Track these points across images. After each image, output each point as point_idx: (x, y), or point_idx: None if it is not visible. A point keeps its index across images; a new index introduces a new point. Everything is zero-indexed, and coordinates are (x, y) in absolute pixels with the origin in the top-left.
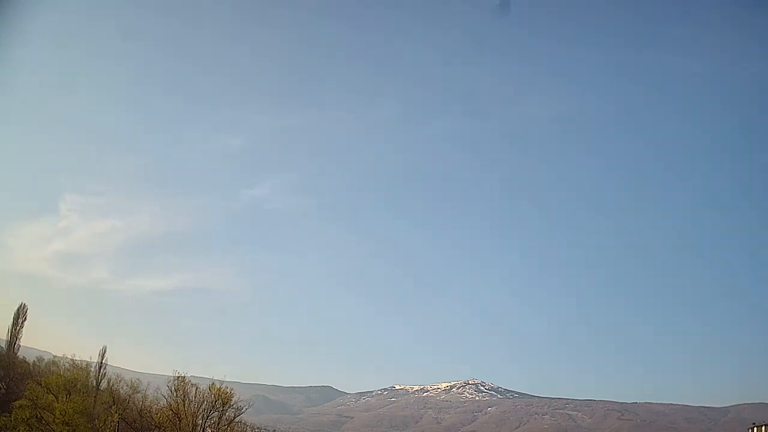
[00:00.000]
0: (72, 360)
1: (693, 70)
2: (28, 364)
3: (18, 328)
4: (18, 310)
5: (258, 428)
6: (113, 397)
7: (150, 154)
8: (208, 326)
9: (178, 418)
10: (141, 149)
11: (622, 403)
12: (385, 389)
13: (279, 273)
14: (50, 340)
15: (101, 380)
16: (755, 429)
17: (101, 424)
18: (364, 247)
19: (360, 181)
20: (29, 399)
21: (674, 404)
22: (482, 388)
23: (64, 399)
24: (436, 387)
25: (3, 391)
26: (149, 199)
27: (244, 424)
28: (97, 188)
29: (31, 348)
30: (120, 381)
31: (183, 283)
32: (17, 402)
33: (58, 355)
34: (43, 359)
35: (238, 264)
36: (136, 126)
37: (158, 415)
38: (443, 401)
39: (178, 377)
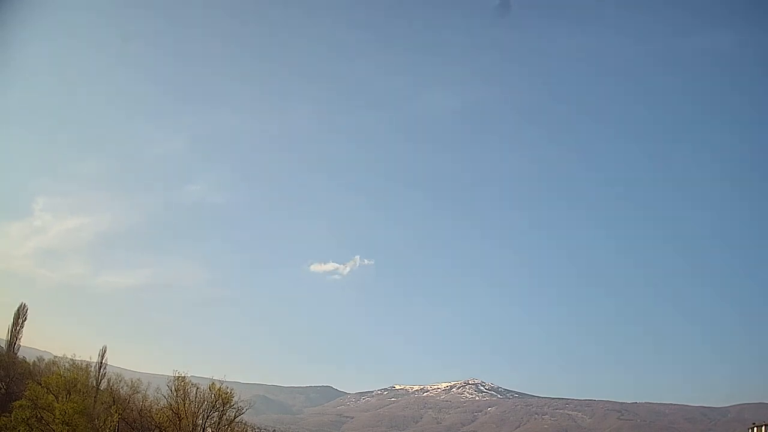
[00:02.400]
0: (72, 360)
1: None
2: (28, 364)
3: (18, 328)
4: (18, 310)
5: (258, 428)
6: (113, 397)
7: (105, 156)
8: (182, 321)
9: (178, 418)
10: (98, 152)
11: (622, 403)
12: (385, 389)
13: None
14: (38, 334)
15: (101, 380)
16: (755, 429)
17: (101, 424)
18: (361, 244)
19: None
20: (29, 399)
21: (674, 404)
22: (482, 388)
23: (64, 399)
24: (436, 387)
25: (3, 391)
26: (108, 198)
27: (245, 424)
28: (64, 189)
29: (31, 348)
30: (120, 381)
31: (153, 278)
32: (17, 402)
33: (59, 355)
34: (43, 359)
35: (200, 258)
36: (91, 129)
37: (158, 415)
38: (443, 401)
39: (179, 377)
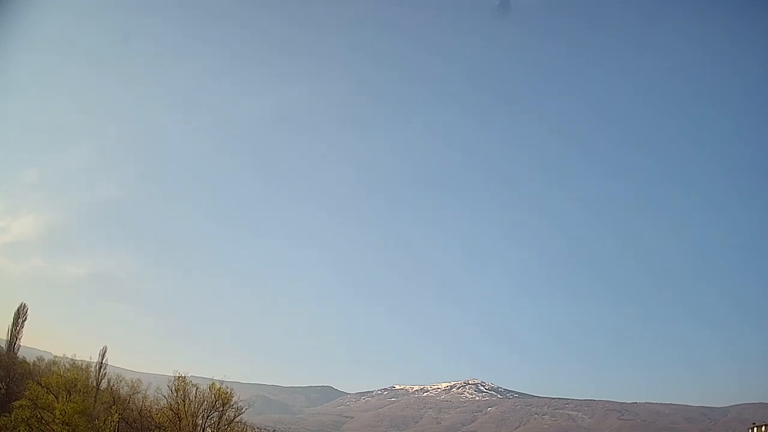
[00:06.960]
0: (72, 360)
1: None
2: (28, 364)
3: (18, 328)
4: (18, 310)
5: (258, 428)
6: (113, 397)
7: (37, 164)
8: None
9: (178, 418)
10: (32, 160)
11: (622, 403)
12: (385, 389)
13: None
14: (29, 329)
15: (101, 380)
16: (755, 429)
17: (101, 424)
18: (362, 244)
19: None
20: (29, 399)
21: (674, 404)
22: (482, 388)
23: (64, 399)
24: (436, 387)
25: (3, 391)
26: (49, 199)
27: (244, 424)
28: (16, 192)
29: (31, 348)
30: (120, 381)
31: (104, 269)
32: (17, 402)
33: (59, 354)
34: (44, 359)
35: (134, 250)
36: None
37: (158, 415)
38: (443, 401)
39: (179, 377)
